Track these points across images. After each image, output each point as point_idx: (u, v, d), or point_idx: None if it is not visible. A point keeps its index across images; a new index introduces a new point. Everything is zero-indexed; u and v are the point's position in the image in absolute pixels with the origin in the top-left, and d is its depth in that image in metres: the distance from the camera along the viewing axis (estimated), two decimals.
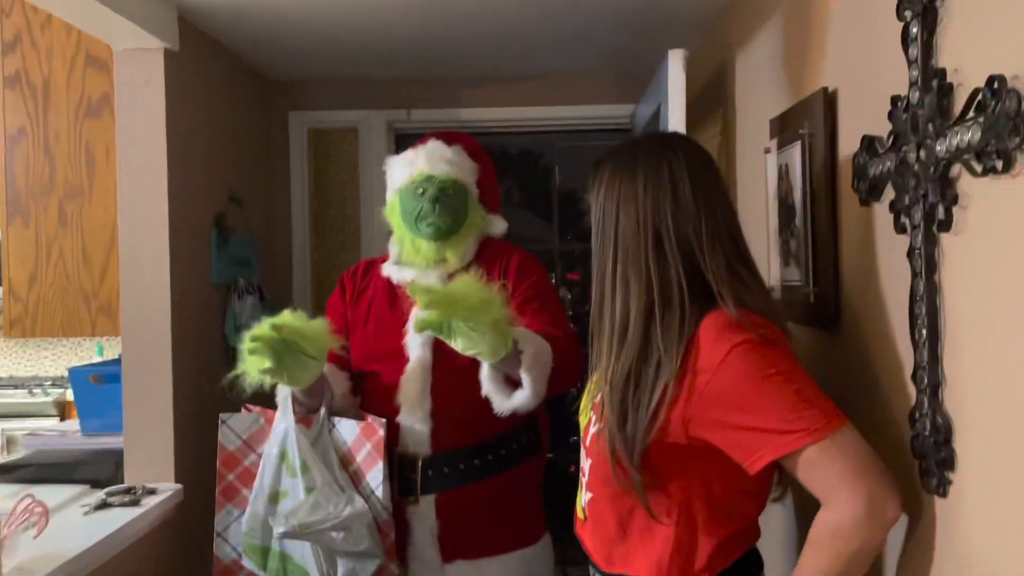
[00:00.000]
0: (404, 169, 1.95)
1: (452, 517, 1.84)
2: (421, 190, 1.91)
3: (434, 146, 1.95)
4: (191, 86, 2.40)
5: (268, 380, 1.66)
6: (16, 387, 4.16)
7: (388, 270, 1.98)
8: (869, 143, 1.31)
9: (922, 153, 1.12)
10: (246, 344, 1.62)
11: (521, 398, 1.63)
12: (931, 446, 1.12)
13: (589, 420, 1.37)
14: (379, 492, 1.77)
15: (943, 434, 1.09)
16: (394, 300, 1.93)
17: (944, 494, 1.11)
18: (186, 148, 2.35)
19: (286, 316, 1.67)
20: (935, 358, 1.12)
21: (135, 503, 2.02)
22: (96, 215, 2.40)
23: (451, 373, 1.80)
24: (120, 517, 1.93)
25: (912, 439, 1.17)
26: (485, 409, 1.66)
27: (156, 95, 2.23)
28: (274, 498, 1.79)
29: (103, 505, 1.99)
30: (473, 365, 1.73)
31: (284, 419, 1.80)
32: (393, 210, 1.98)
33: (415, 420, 1.83)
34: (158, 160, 2.23)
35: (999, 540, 0.99)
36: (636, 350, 1.25)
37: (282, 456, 1.79)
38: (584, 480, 1.38)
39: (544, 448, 1.98)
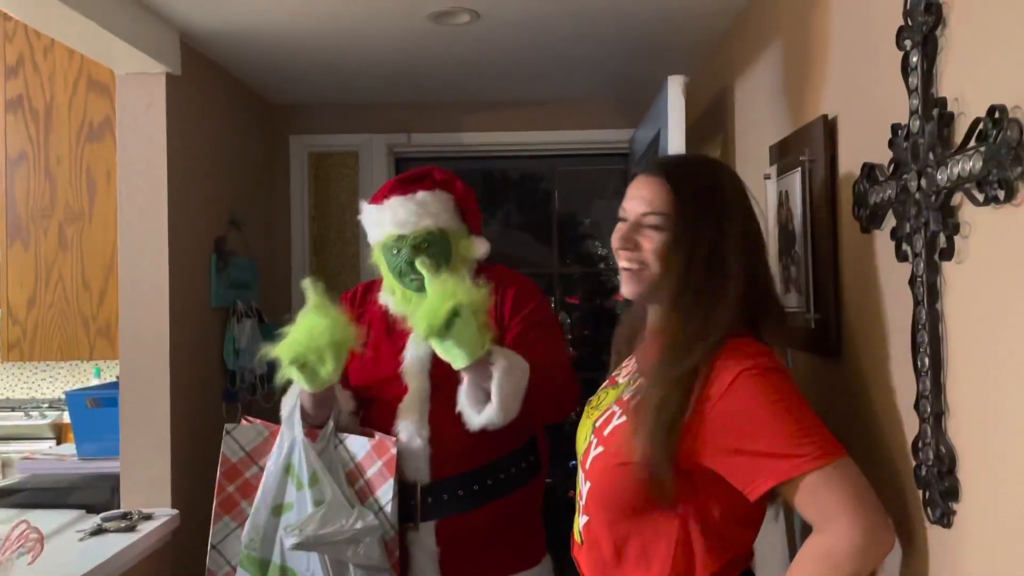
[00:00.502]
0: (374, 228, 1.91)
1: (453, 543, 1.83)
2: (396, 250, 1.87)
3: (396, 203, 1.87)
4: (192, 110, 2.41)
5: (293, 374, 1.68)
6: (13, 409, 4.14)
7: (385, 299, 1.95)
8: (870, 171, 1.31)
9: (923, 181, 1.12)
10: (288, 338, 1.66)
11: (488, 413, 1.63)
12: (934, 476, 1.11)
13: (589, 443, 1.36)
14: (388, 509, 1.76)
15: (947, 464, 1.09)
16: (392, 327, 1.92)
17: (948, 524, 1.09)
18: (187, 171, 2.36)
19: (316, 306, 1.69)
20: (938, 387, 1.11)
21: (131, 529, 2.00)
22: (96, 238, 2.39)
23: (449, 400, 1.76)
24: (116, 543, 1.91)
25: (915, 469, 1.16)
26: (484, 435, 1.66)
27: (157, 118, 2.24)
28: (277, 511, 1.78)
29: (99, 531, 1.98)
30: None
31: (291, 431, 1.79)
32: (379, 260, 1.94)
33: (414, 447, 1.81)
34: (159, 184, 2.23)
35: (1004, 572, 0.97)
36: (684, 371, 1.23)
37: (287, 468, 1.78)
38: (581, 503, 1.37)
39: (544, 470, 1.97)
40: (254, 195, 3.00)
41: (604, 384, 1.49)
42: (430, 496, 1.82)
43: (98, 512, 2.13)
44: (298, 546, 1.68)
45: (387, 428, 1.83)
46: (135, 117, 2.24)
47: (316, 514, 1.71)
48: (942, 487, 1.10)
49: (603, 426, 1.34)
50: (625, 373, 1.41)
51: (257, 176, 3.05)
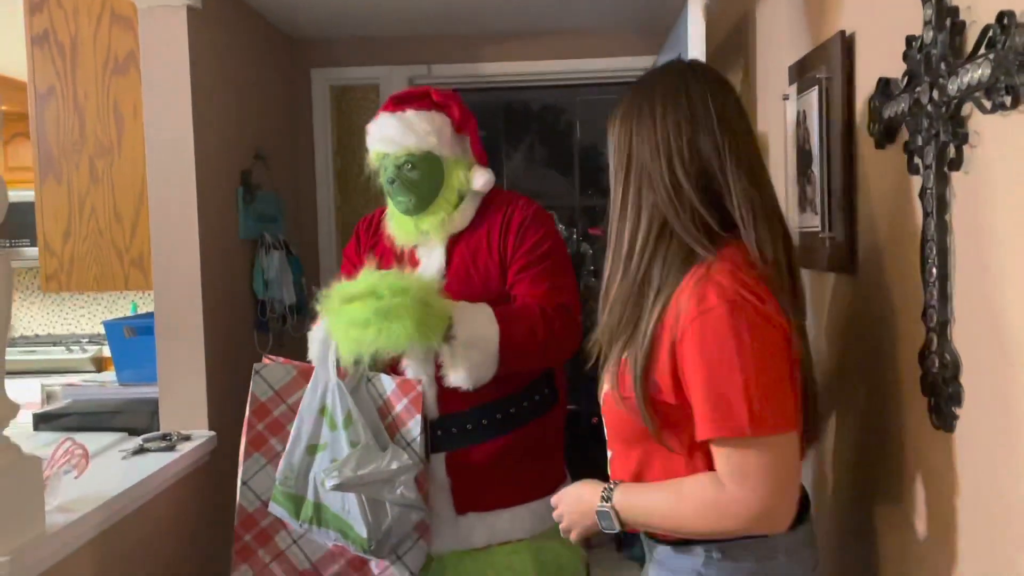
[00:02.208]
0: (369, 147, 1.90)
1: (463, 473, 1.85)
2: (383, 169, 1.86)
3: (382, 121, 1.86)
4: (214, 44, 2.43)
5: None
6: (55, 344, 4.29)
7: (391, 229, 1.94)
8: (884, 85, 1.31)
9: (935, 93, 1.13)
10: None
11: (453, 381, 1.71)
12: (939, 383, 1.14)
13: (601, 380, 1.38)
14: (416, 444, 1.78)
15: (951, 371, 1.11)
16: (401, 259, 1.91)
17: (951, 429, 1.13)
18: (211, 106, 2.39)
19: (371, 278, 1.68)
20: (944, 297, 1.13)
21: (171, 449, 2.10)
22: (126, 172, 2.45)
23: None
24: (157, 461, 2.00)
25: (921, 377, 1.19)
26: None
27: (180, 53, 2.26)
28: (312, 450, 1.80)
29: (140, 450, 2.07)
30: None
31: (325, 372, 1.80)
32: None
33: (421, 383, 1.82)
34: (184, 117, 2.26)
35: (1005, 473, 1.01)
36: (641, 273, 1.22)
37: (322, 409, 1.80)
38: (607, 438, 1.39)
39: (561, 401, 1.96)
40: (278, 129, 3.03)
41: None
42: (439, 429, 1.83)
43: (139, 435, 2.22)
44: (337, 487, 1.70)
45: (394, 364, 1.83)
46: (157, 51, 2.27)
47: (352, 455, 1.73)
48: (946, 393, 1.13)
49: (603, 361, 1.34)
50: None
51: (280, 110, 3.08)
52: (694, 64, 1.34)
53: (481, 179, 1.89)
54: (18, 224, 4.09)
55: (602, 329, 1.28)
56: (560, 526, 1.38)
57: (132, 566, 1.88)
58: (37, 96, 2.45)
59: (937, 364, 1.15)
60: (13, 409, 1.49)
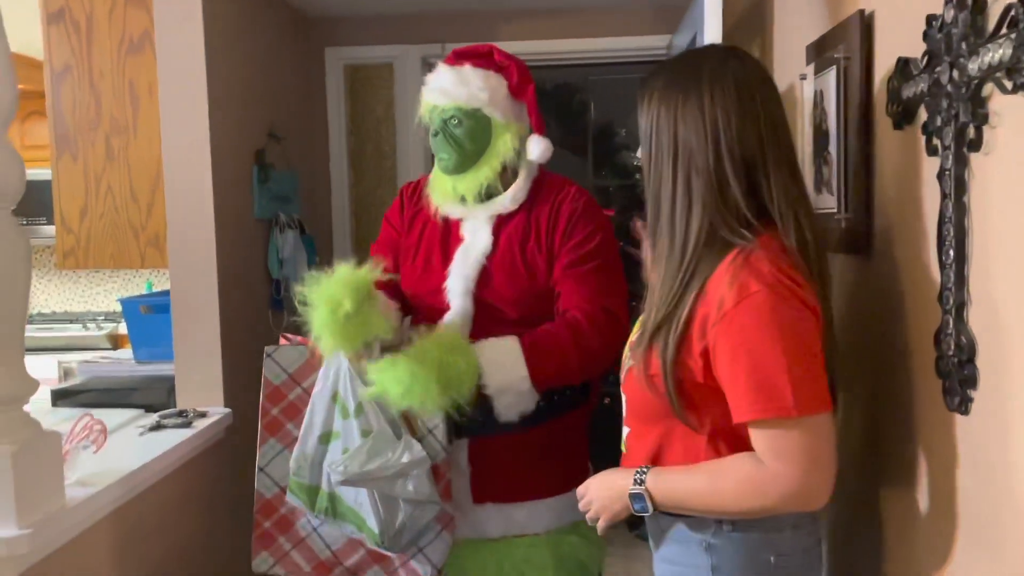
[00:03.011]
0: (423, 99, 1.85)
1: (484, 462, 1.81)
2: (431, 121, 1.81)
3: (439, 71, 1.82)
4: (229, 23, 2.43)
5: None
6: (71, 321, 4.33)
7: (431, 189, 1.87)
8: (903, 65, 1.30)
9: (955, 73, 1.12)
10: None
11: (499, 412, 1.71)
12: (954, 365, 1.14)
13: (625, 357, 1.39)
14: (438, 431, 1.71)
15: (966, 353, 1.11)
16: (446, 235, 1.85)
17: (966, 412, 1.13)
18: (226, 85, 2.39)
19: (342, 278, 1.62)
20: (961, 279, 1.13)
21: (187, 425, 2.12)
22: (142, 150, 2.46)
23: (491, 324, 1.75)
24: (174, 437, 2.03)
25: (937, 360, 1.19)
26: None
27: (195, 32, 2.26)
28: (325, 438, 1.73)
29: (157, 426, 2.10)
30: (515, 320, 1.74)
31: (337, 357, 1.71)
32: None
33: None
34: (199, 97, 2.27)
35: (1019, 456, 1.01)
36: (687, 260, 1.22)
37: (334, 396, 1.73)
38: (624, 416, 1.41)
39: (591, 399, 1.90)
40: (292, 108, 3.03)
41: (645, 297, 1.51)
42: (464, 415, 1.73)
43: (156, 411, 2.25)
44: (344, 482, 1.65)
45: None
46: (172, 30, 2.27)
47: (363, 447, 1.66)
48: (961, 375, 1.12)
49: (636, 340, 1.35)
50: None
51: (295, 89, 3.08)
52: (738, 51, 1.32)
53: (537, 148, 1.82)
54: (34, 202, 4.12)
55: (647, 312, 1.28)
56: (588, 514, 1.39)
57: (149, 539, 1.91)
58: (53, 74, 2.46)
59: (953, 346, 1.14)
60: (33, 385, 1.51)
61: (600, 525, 1.37)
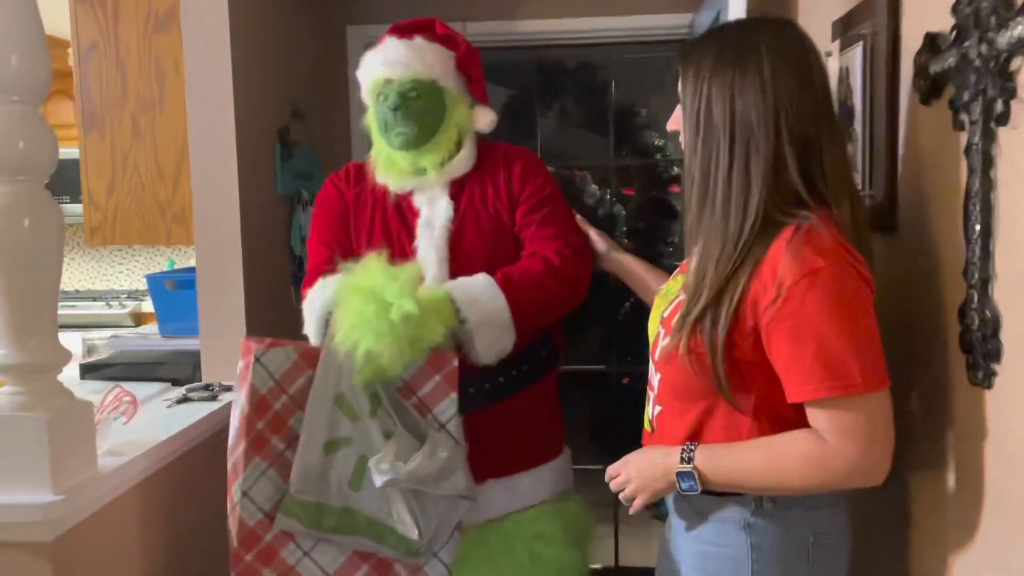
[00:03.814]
0: (366, 75, 1.80)
1: (478, 439, 1.73)
2: (383, 97, 1.75)
3: (390, 45, 1.77)
4: (253, 0, 2.44)
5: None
6: (95, 299, 4.39)
7: (379, 172, 1.83)
8: (932, 40, 1.29)
9: (983, 47, 1.12)
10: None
11: (476, 360, 1.65)
12: (978, 339, 1.15)
13: (657, 334, 1.37)
14: (451, 426, 1.62)
15: (991, 327, 1.12)
16: (400, 211, 1.83)
17: (989, 386, 1.14)
18: (250, 63, 2.41)
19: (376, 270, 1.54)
20: (987, 253, 1.13)
21: (213, 399, 2.15)
22: (167, 128, 2.48)
23: None
24: (201, 410, 2.06)
25: (961, 334, 1.20)
26: None
27: (220, 9, 2.27)
28: (331, 447, 1.58)
29: (184, 400, 2.13)
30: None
31: (336, 356, 1.56)
32: (370, 119, 1.83)
33: None
34: (224, 74, 2.28)
35: None
36: (744, 239, 1.19)
37: (337, 400, 1.57)
38: (653, 394, 1.39)
39: (560, 360, 1.93)
40: (314, 87, 3.04)
41: (676, 271, 1.48)
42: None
43: (182, 385, 2.29)
44: (390, 483, 1.52)
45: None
46: (198, 7, 2.28)
47: (389, 448, 1.54)
48: (985, 349, 1.13)
49: (670, 316, 1.33)
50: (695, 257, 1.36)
51: (317, 68, 3.09)
52: (789, 21, 1.28)
53: (485, 118, 1.83)
54: (55, 181, 4.17)
55: (693, 291, 1.24)
56: (622, 494, 1.36)
57: (176, 509, 1.95)
58: (80, 52, 2.48)
59: (977, 321, 1.15)
60: (66, 355, 1.54)
61: (637, 504, 1.34)
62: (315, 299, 1.67)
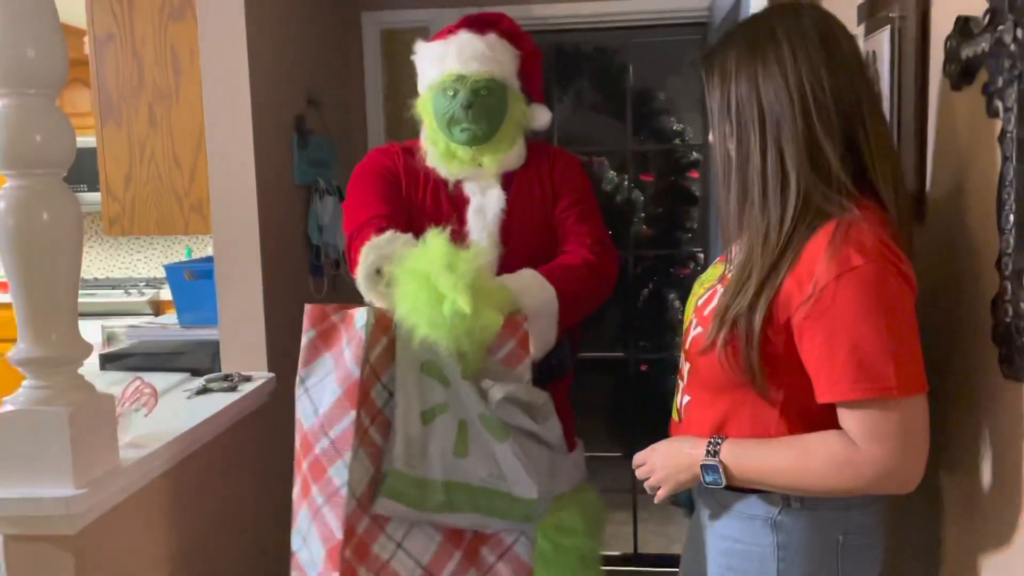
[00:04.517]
0: (434, 65, 1.79)
1: None
2: (452, 92, 1.75)
3: (465, 39, 1.76)
4: None
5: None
6: (113, 287, 4.41)
7: (434, 161, 1.83)
8: (963, 24, 1.26)
9: (1019, 32, 1.08)
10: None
11: (535, 355, 1.63)
12: (1012, 332, 1.12)
13: (690, 323, 1.35)
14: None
15: None
16: (452, 196, 1.84)
17: (1022, 379, 1.11)
18: (266, 51, 2.39)
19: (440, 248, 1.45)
20: (1021, 244, 1.10)
21: (233, 389, 2.16)
22: (184, 117, 2.48)
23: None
24: (221, 401, 2.06)
25: (993, 327, 1.17)
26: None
27: None
28: (427, 417, 1.45)
29: (204, 390, 2.14)
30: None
31: (401, 324, 1.43)
32: (426, 107, 1.83)
33: None
34: (240, 63, 2.27)
35: None
36: (784, 235, 1.16)
37: (421, 366, 1.45)
38: (682, 384, 1.37)
39: (568, 368, 1.91)
40: (329, 74, 3.02)
41: (717, 259, 1.46)
42: None
43: (201, 375, 2.29)
44: (510, 396, 1.44)
45: None
46: None
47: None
48: (1019, 342, 1.10)
49: (703, 305, 1.32)
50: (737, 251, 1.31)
51: (331, 55, 3.07)
52: (807, 2, 1.25)
53: (543, 117, 1.88)
54: (74, 170, 4.18)
55: (733, 286, 1.22)
56: (647, 483, 1.35)
57: (199, 500, 1.96)
58: (96, 42, 2.47)
59: (1011, 313, 1.12)
60: (87, 348, 1.54)
61: (661, 494, 1.33)
62: (369, 254, 1.55)
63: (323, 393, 1.45)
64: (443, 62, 1.77)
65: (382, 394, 1.47)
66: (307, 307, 1.49)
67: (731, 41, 1.23)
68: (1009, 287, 1.12)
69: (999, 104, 1.14)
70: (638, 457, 1.39)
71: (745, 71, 1.18)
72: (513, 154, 1.86)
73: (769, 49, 1.17)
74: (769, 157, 1.17)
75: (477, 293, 1.43)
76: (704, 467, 1.25)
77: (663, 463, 1.32)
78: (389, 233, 1.58)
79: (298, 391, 1.49)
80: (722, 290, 1.27)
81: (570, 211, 1.86)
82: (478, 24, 1.81)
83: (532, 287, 1.67)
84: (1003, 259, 1.14)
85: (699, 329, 1.30)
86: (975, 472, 1.26)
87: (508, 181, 1.87)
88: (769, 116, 1.17)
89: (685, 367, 1.36)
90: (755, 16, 1.25)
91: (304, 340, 1.48)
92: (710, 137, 1.30)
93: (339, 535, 1.41)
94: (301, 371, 1.49)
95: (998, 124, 1.15)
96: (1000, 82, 1.14)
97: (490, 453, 1.46)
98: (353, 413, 1.41)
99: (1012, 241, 1.11)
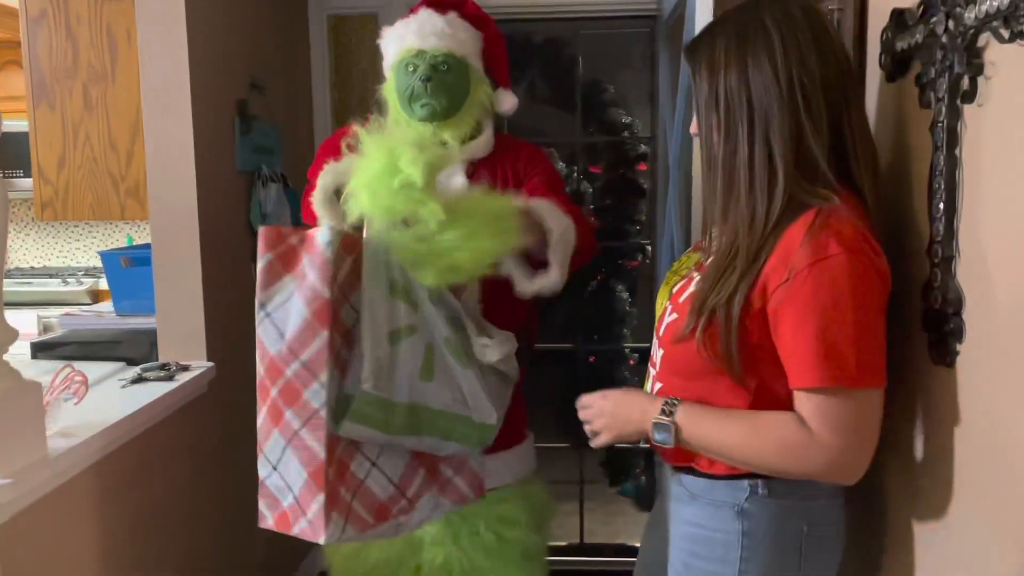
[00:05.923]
0: (395, 43, 1.81)
1: None
2: (412, 67, 1.76)
3: (424, 16, 1.79)
4: None
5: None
6: (50, 276, 4.27)
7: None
8: (899, 16, 1.28)
9: (951, 23, 1.10)
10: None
11: (547, 281, 1.60)
12: (941, 318, 1.14)
13: (664, 310, 1.34)
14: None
15: (953, 306, 1.11)
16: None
17: (951, 365, 1.13)
18: (206, 32, 2.33)
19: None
20: (951, 232, 1.12)
21: (170, 378, 2.10)
22: (120, 99, 2.41)
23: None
24: (156, 390, 2.01)
25: (924, 312, 1.19)
26: (501, 315, 1.65)
27: None
28: (393, 338, 1.43)
29: (139, 379, 2.08)
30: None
31: (374, 247, 1.43)
32: (389, 89, 1.84)
33: None
34: (179, 44, 2.21)
35: (1003, 408, 1.02)
36: (770, 233, 1.16)
37: (390, 286, 1.43)
38: (654, 371, 1.36)
39: (530, 351, 1.92)
40: (274, 59, 2.96)
41: (690, 248, 1.47)
42: None
43: (138, 365, 2.23)
44: (502, 361, 1.50)
45: None
46: None
47: (475, 329, 1.49)
48: (948, 328, 1.13)
49: (679, 292, 1.32)
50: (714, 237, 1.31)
51: (277, 39, 3.01)
52: None
53: (508, 101, 1.86)
54: (10, 155, 4.04)
55: (712, 275, 1.21)
56: (588, 426, 1.34)
57: (132, 490, 1.90)
58: (29, 21, 2.39)
59: (940, 300, 1.14)
60: (12, 334, 1.48)
61: (599, 441, 1.32)
62: (325, 175, 1.57)
63: (288, 316, 1.40)
64: (403, 39, 1.80)
65: (351, 314, 1.43)
66: (261, 229, 1.43)
67: (719, 30, 1.21)
68: (939, 274, 1.15)
69: (931, 94, 1.17)
70: (586, 398, 1.36)
71: (735, 63, 1.17)
72: (481, 140, 1.84)
73: (759, 40, 1.16)
74: (757, 150, 1.17)
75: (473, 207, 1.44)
76: (656, 424, 1.23)
77: (612, 410, 1.31)
78: (347, 159, 1.54)
79: (258, 316, 1.42)
80: (699, 277, 1.27)
81: (539, 187, 1.82)
82: (439, 4, 1.82)
83: (554, 211, 1.63)
84: (933, 246, 1.16)
85: (674, 316, 1.29)
86: (912, 454, 1.28)
87: (473, 171, 1.84)
88: (758, 110, 1.16)
89: (658, 353, 1.35)
90: (744, 5, 1.24)
91: (260, 264, 1.42)
92: (693, 127, 1.28)
93: (322, 455, 1.38)
94: (260, 296, 1.42)
95: (931, 115, 1.17)
96: (932, 73, 1.16)
97: (453, 378, 1.48)
98: (325, 333, 1.36)
99: (942, 229, 1.14)
